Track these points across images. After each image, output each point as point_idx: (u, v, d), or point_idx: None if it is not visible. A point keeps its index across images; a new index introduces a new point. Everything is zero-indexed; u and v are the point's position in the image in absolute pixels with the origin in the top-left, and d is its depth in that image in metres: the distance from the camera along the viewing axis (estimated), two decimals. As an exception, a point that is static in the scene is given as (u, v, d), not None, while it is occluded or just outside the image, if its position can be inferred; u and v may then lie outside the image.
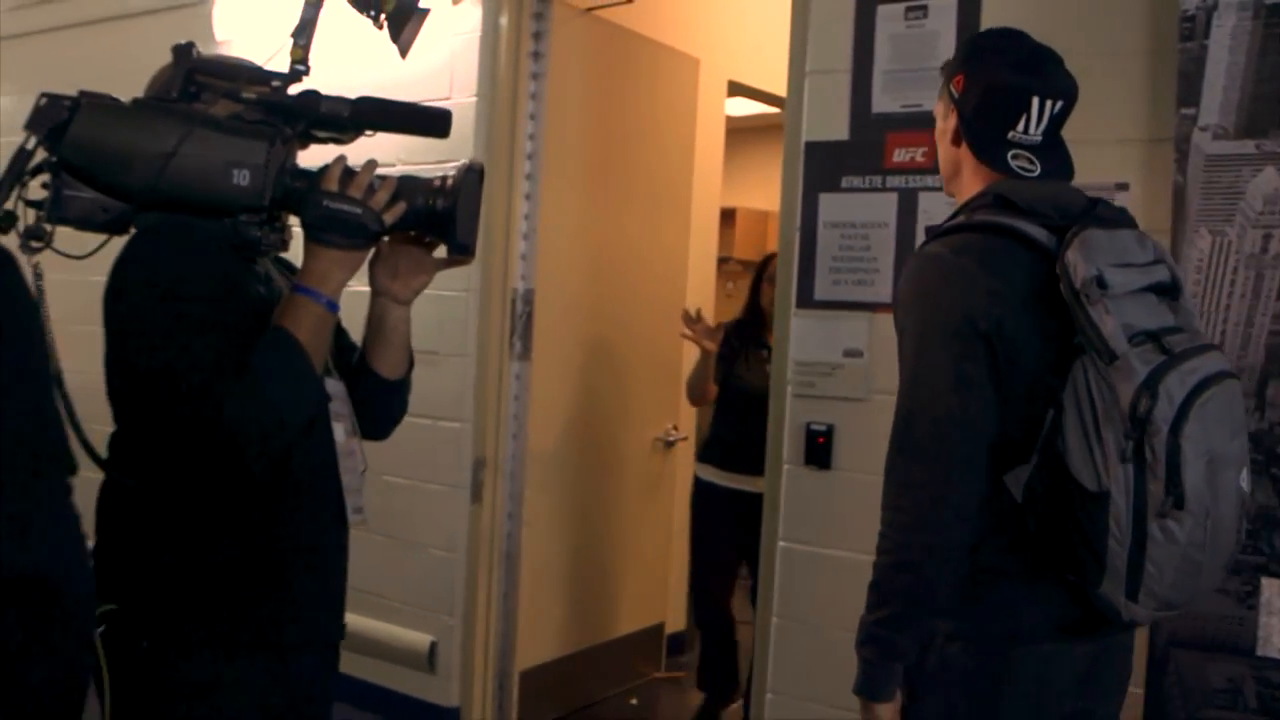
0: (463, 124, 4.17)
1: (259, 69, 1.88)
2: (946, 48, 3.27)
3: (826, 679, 3.45)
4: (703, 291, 5.42)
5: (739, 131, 6.02)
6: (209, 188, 1.73)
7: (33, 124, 1.72)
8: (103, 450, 1.85)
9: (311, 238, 1.82)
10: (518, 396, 4.28)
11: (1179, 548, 1.69)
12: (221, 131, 1.75)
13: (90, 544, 1.56)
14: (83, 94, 1.74)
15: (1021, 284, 1.80)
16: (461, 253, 1.92)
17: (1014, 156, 1.89)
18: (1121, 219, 1.89)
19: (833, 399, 3.37)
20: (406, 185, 1.89)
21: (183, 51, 1.89)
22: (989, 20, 3.20)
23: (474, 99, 4.21)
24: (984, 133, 1.91)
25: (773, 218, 8.14)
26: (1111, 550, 1.71)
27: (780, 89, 3.71)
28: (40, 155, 1.72)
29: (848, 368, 3.35)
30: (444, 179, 1.90)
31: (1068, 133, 2.95)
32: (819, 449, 3.36)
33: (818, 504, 3.36)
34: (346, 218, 1.79)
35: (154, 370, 1.75)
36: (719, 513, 4.40)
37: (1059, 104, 1.89)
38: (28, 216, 1.69)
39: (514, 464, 4.29)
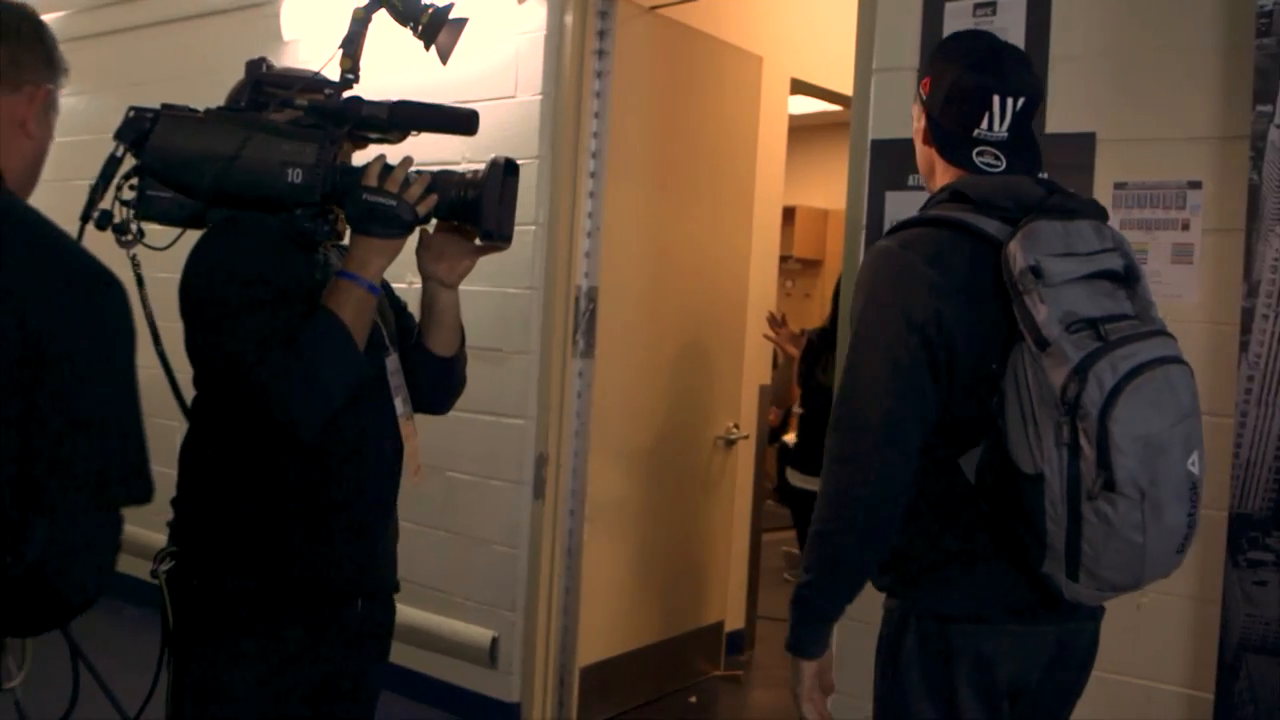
0: (527, 122, 4.21)
1: (316, 78, 2.08)
2: (1015, 44, 3.22)
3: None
4: (764, 290, 5.40)
5: (798, 129, 5.99)
6: (267, 186, 1.96)
7: (121, 134, 1.98)
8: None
9: (353, 228, 2.02)
10: (580, 394, 4.29)
11: (1114, 529, 1.74)
12: (278, 135, 1.97)
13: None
14: (164, 106, 1.99)
15: (966, 276, 1.86)
16: (488, 238, 2.12)
17: (979, 153, 1.96)
18: (1083, 209, 1.95)
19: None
20: (440, 179, 2.07)
21: (253, 65, 2.11)
22: (1059, 15, 3.17)
23: (539, 97, 4.22)
24: (950, 132, 1.99)
25: (832, 216, 8.18)
26: (1050, 531, 1.78)
27: (842, 86, 3.69)
28: (129, 162, 1.98)
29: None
30: (475, 173, 2.08)
31: (1137, 130, 2.96)
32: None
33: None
34: (384, 210, 1.98)
35: (216, 345, 2.00)
36: (806, 516, 4.36)
37: (1021, 101, 1.95)
38: (122, 214, 1.95)
39: (576, 461, 4.30)
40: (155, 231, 2.06)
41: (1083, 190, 3.05)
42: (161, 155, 1.97)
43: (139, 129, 1.98)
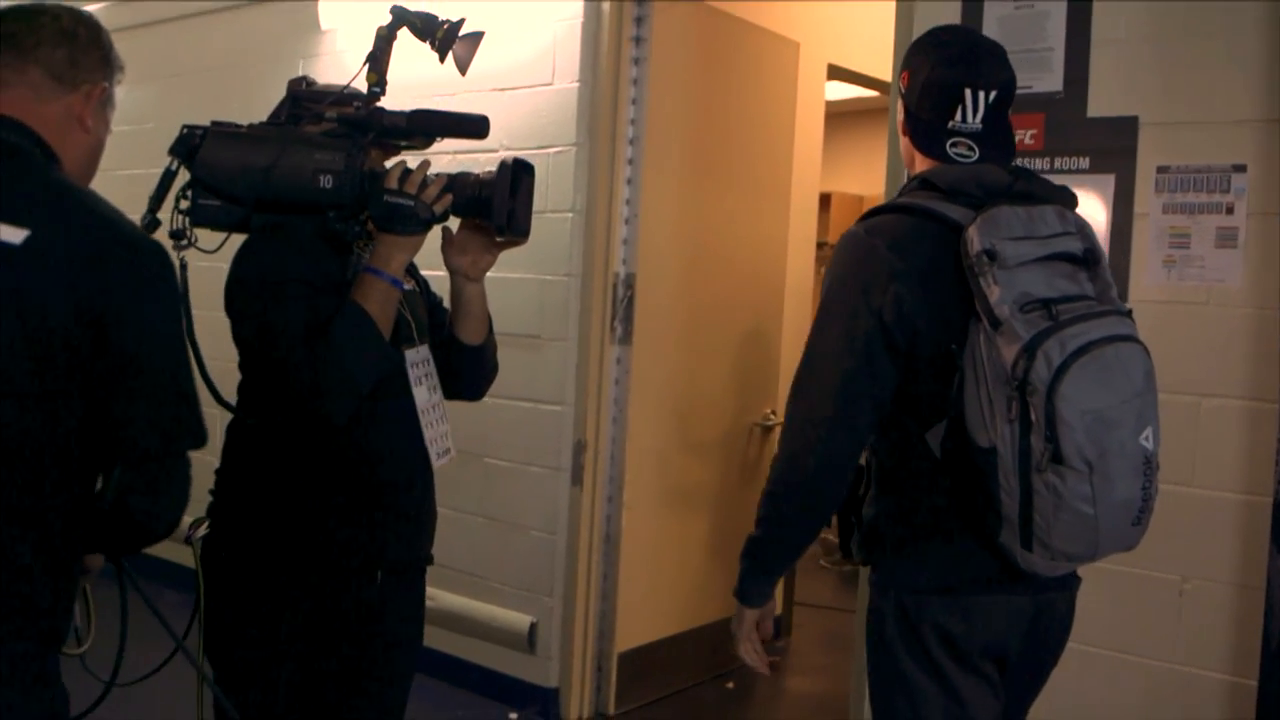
0: (565, 110, 4.22)
1: (344, 93, 2.27)
2: (1056, 28, 3.23)
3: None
4: (801, 276, 5.39)
5: (835, 115, 5.98)
6: (302, 192, 2.14)
7: (174, 149, 2.19)
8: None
9: (376, 227, 2.19)
10: (618, 380, 4.29)
11: (1063, 501, 1.82)
12: (311, 146, 2.15)
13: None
14: (213, 124, 2.21)
15: (929, 259, 1.95)
16: (500, 233, 2.27)
17: (953, 144, 2.04)
18: (1047, 195, 2.03)
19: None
20: (456, 180, 2.24)
21: (294, 83, 2.33)
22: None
23: (576, 84, 4.22)
24: (927, 124, 2.07)
25: (868, 203, 8.07)
26: (1004, 503, 1.86)
27: (879, 72, 3.69)
28: (184, 174, 2.19)
29: (953, 352, 3.30)
30: (488, 173, 2.24)
31: (1179, 112, 2.96)
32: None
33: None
34: (403, 210, 2.16)
35: (256, 337, 2.21)
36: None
37: (993, 94, 2.03)
38: (179, 222, 2.15)
39: (614, 447, 4.31)
40: (205, 235, 2.23)
41: (1126, 174, 3.08)
42: (209, 167, 2.16)
43: (190, 144, 2.18)
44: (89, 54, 1.82)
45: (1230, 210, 2.98)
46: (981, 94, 2.03)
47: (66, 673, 1.77)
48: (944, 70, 2.05)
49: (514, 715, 4.32)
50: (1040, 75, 3.24)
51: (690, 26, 4.47)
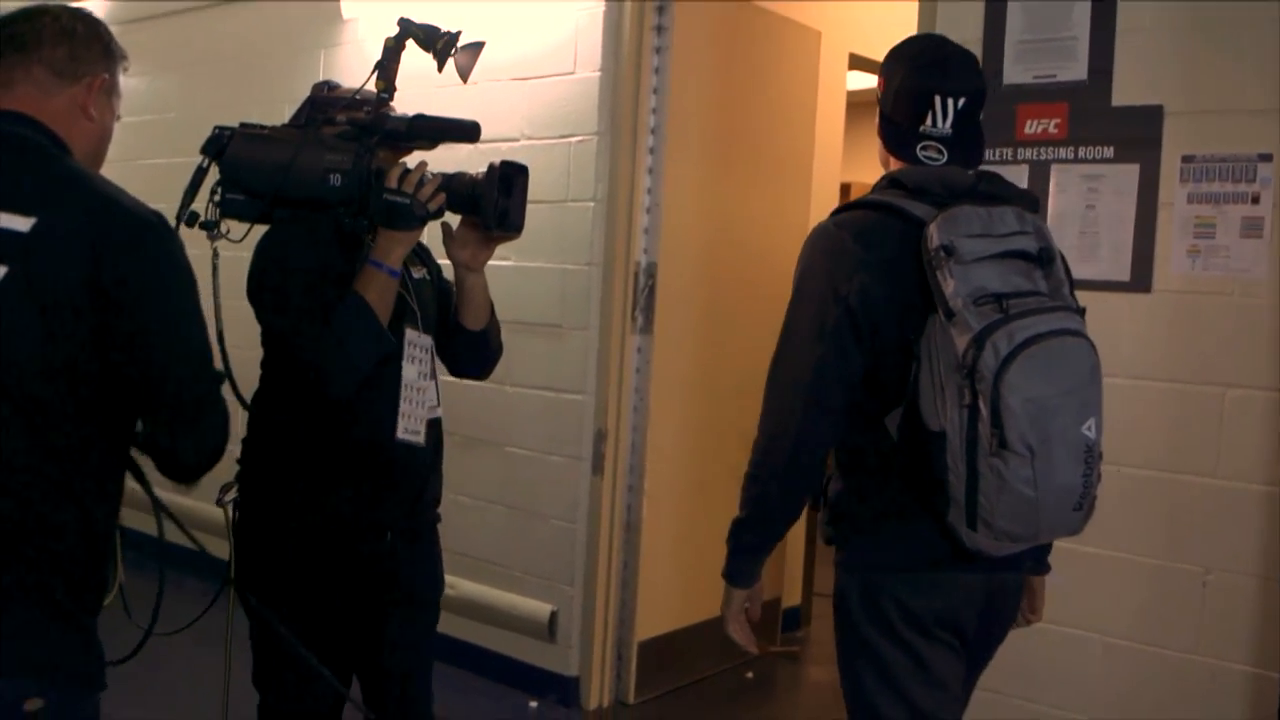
0: (586, 99, 4.22)
1: (355, 98, 2.44)
2: (1081, 17, 3.22)
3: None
4: (822, 266, 5.33)
5: (856, 105, 5.94)
6: (314, 189, 2.32)
7: (205, 148, 2.38)
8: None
9: (377, 222, 2.37)
10: (639, 369, 4.29)
11: (1006, 483, 1.93)
12: (323, 147, 2.34)
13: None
14: (241, 125, 2.39)
15: (892, 253, 2.05)
16: (486, 229, 2.46)
17: (924, 148, 2.14)
18: (1009, 197, 2.13)
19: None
20: (450, 180, 2.41)
21: (317, 87, 2.51)
22: (1127, -13, 3.12)
23: (597, 74, 4.22)
24: (899, 127, 2.18)
25: None
26: (952, 484, 1.97)
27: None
28: (215, 171, 2.37)
29: (976, 343, 3.29)
30: (481, 174, 2.43)
31: (1205, 101, 2.96)
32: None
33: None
34: (400, 207, 2.35)
35: (271, 321, 2.44)
36: None
37: (962, 100, 2.13)
38: (211, 214, 2.33)
39: (635, 436, 4.31)
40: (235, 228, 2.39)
41: (1151, 164, 3.07)
42: (234, 165, 2.35)
43: (219, 144, 2.37)
44: (89, 48, 1.96)
45: (1256, 200, 2.97)
46: (951, 100, 2.13)
47: (104, 622, 1.91)
48: (916, 77, 2.15)
49: (534, 703, 4.33)
50: (1065, 64, 3.23)
51: (712, 15, 4.46)
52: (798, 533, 5.21)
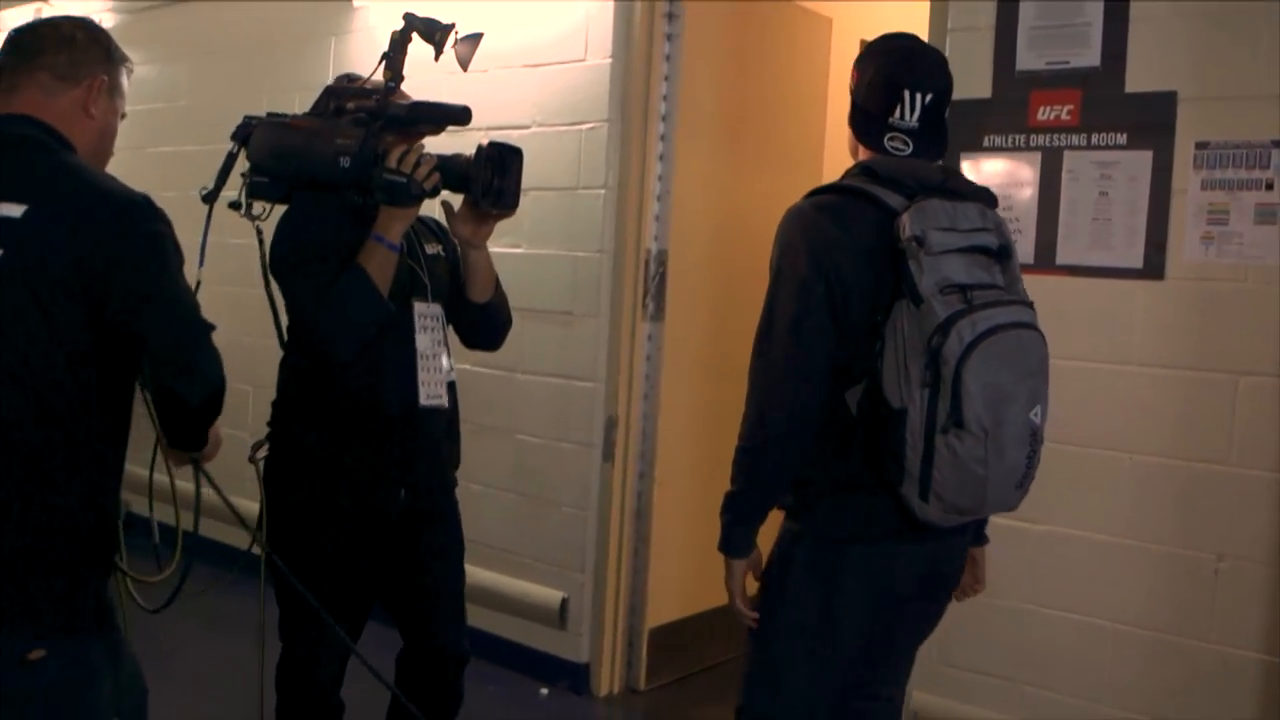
0: (597, 85, 4.22)
1: (364, 88, 2.67)
2: (1095, 3, 3.20)
3: (966, 644, 3.45)
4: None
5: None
6: (326, 171, 2.56)
7: (234, 135, 2.65)
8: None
9: (378, 199, 2.56)
10: (650, 357, 4.29)
11: (960, 460, 2.07)
12: (335, 133, 2.57)
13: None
14: (269, 115, 2.67)
15: (866, 238, 2.17)
16: (477, 205, 2.65)
17: (890, 138, 2.28)
18: (972, 194, 2.28)
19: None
20: (445, 161, 2.59)
21: (337, 79, 2.78)
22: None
23: (608, 61, 4.20)
24: (870, 116, 2.31)
25: None
26: (908, 458, 2.10)
27: (917, 47, 3.63)
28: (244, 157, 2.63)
29: (987, 330, 3.30)
30: (470, 155, 2.61)
31: (1219, 87, 2.97)
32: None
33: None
34: (398, 185, 2.53)
35: (284, 289, 2.62)
36: None
37: (929, 96, 2.27)
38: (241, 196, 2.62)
39: (646, 423, 4.31)
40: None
41: (1164, 150, 3.07)
42: (258, 150, 2.62)
43: (246, 132, 2.65)
44: (88, 52, 2.16)
45: (1270, 186, 2.96)
46: (919, 95, 2.26)
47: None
48: (889, 72, 2.29)
49: (545, 690, 4.34)
50: (1078, 50, 3.22)
51: (723, 2, 4.45)
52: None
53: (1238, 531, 3.03)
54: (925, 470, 2.10)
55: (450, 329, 2.87)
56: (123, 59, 2.24)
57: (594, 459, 4.29)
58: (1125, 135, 3.15)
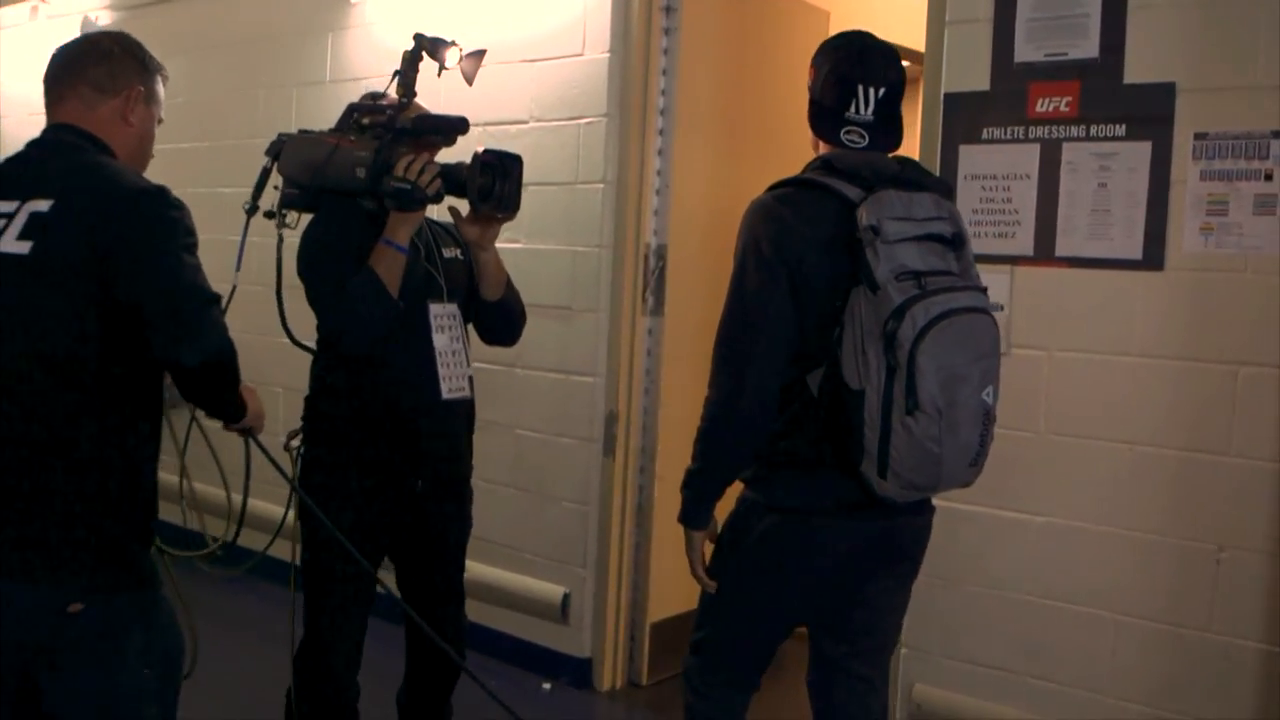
0: (595, 80, 4.22)
1: (378, 104, 2.90)
2: (1092, -7, 3.21)
3: (967, 636, 3.47)
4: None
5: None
6: (344, 181, 2.79)
7: (268, 151, 2.90)
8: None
9: (387, 205, 2.76)
10: (650, 351, 4.30)
11: (915, 439, 2.19)
12: (354, 145, 2.80)
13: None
14: (301, 131, 2.92)
15: (825, 228, 2.30)
16: (475, 210, 2.84)
17: (847, 132, 2.40)
18: (928, 184, 2.39)
19: (972, 353, 3.33)
20: (446, 169, 2.80)
21: (363, 96, 3.00)
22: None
23: (606, 55, 4.21)
24: (828, 110, 2.43)
25: None
26: (867, 437, 2.22)
27: (913, 41, 3.66)
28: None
29: (987, 321, 3.32)
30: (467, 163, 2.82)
31: (1218, 78, 3.00)
32: (957, 403, 3.35)
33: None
34: (403, 192, 2.73)
35: (307, 288, 2.83)
36: None
37: (882, 90, 2.39)
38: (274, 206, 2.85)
39: (646, 418, 4.31)
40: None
41: (1163, 141, 3.08)
42: (288, 164, 2.87)
43: (277, 147, 2.89)
44: (125, 65, 2.37)
45: (1269, 177, 2.97)
46: (872, 89, 2.38)
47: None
48: (842, 68, 2.41)
49: (547, 685, 4.35)
50: (1076, 41, 3.23)
51: (721, -4, 4.44)
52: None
53: (1238, 522, 3.04)
54: (883, 449, 2.21)
55: (471, 327, 3.10)
56: (158, 68, 2.44)
57: (594, 454, 4.30)
58: (1124, 126, 3.16)
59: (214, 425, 2.54)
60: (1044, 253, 3.30)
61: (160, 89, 2.45)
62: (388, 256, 2.76)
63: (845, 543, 2.43)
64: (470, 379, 3.02)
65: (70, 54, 2.38)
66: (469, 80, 2.97)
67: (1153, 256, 3.14)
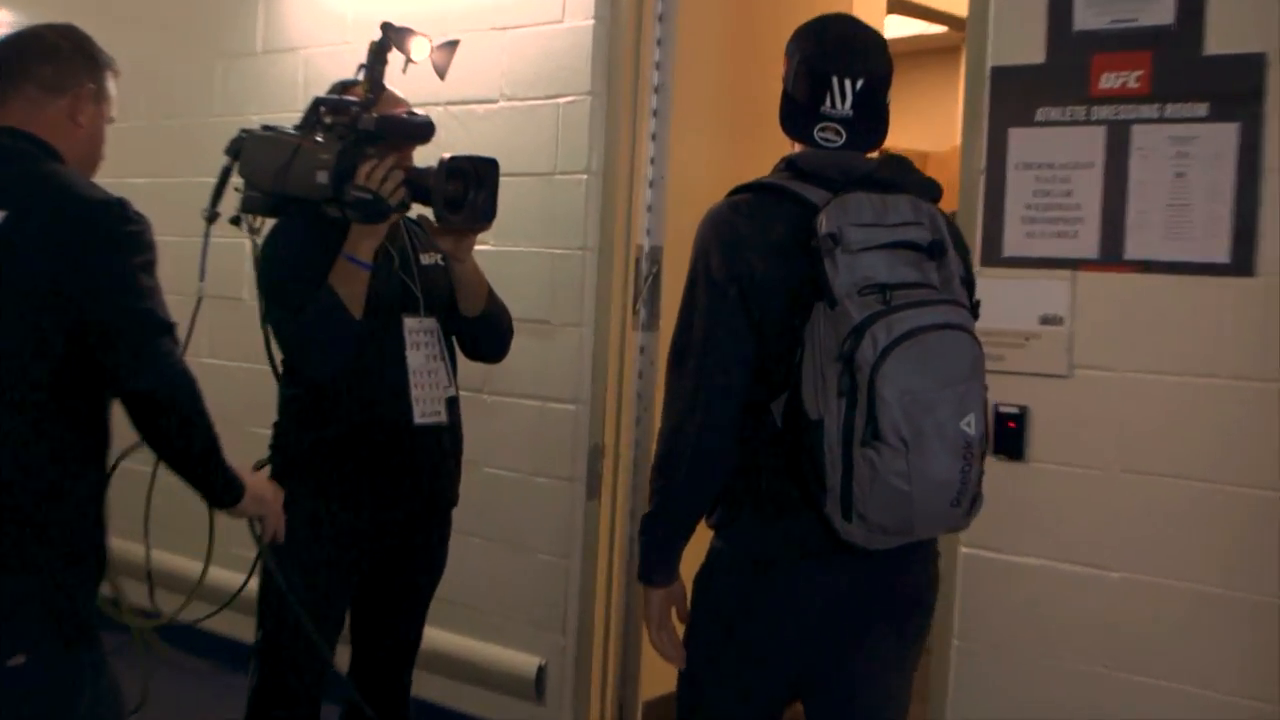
0: (577, 51, 4.23)
1: (342, 100, 3.03)
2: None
3: (1021, 712, 3.44)
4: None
5: (897, 57, 5.92)
6: (306, 186, 2.94)
7: (228, 150, 3.05)
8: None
9: (348, 216, 2.91)
10: (642, 373, 4.28)
11: (879, 475, 2.23)
12: (316, 147, 2.94)
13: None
14: (264, 128, 3.07)
15: (783, 237, 2.38)
16: (440, 221, 2.99)
17: (822, 129, 2.49)
18: (905, 185, 2.45)
19: (1026, 375, 3.36)
20: (415, 177, 2.96)
21: (332, 86, 3.17)
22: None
23: (591, 22, 4.21)
24: (799, 107, 2.54)
25: (934, 160, 7.87)
26: (829, 474, 2.27)
27: (950, 4, 3.65)
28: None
29: (1044, 337, 3.35)
30: (433, 168, 2.97)
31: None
32: (1010, 436, 3.36)
33: (1008, 502, 3.30)
34: (364, 202, 2.88)
35: (268, 308, 3.00)
36: None
37: (860, 82, 2.46)
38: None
39: (637, 452, 4.27)
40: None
41: (1252, 123, 3.09)
42: (248, 166, 3.02)
43: (238, 146, 3.04)
44: (73, 62, 2.54)
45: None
46: (849, 82, 2.46)
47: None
48: (815, 58, 2.50)
49: (518, 775, 4.32)
50: (1146, 5, 3.23)
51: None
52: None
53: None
54: (845, 486, 2.26)
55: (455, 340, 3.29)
56: (108, 63, 2.61)
57: (577, 496, 4.27)
58: (1205, 106, 3.15)
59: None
60: (1111, 255, 3.29)
61: (111, 85, 2.62)
62: (349, 273, 2.94)
63: (820, 597, 2.47)
64: (452, 400, 3.21)
65: (12, 49, 2.54)
66: (441, 74, 3.10)
67: (1242, 260, 3.12)
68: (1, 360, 2.30)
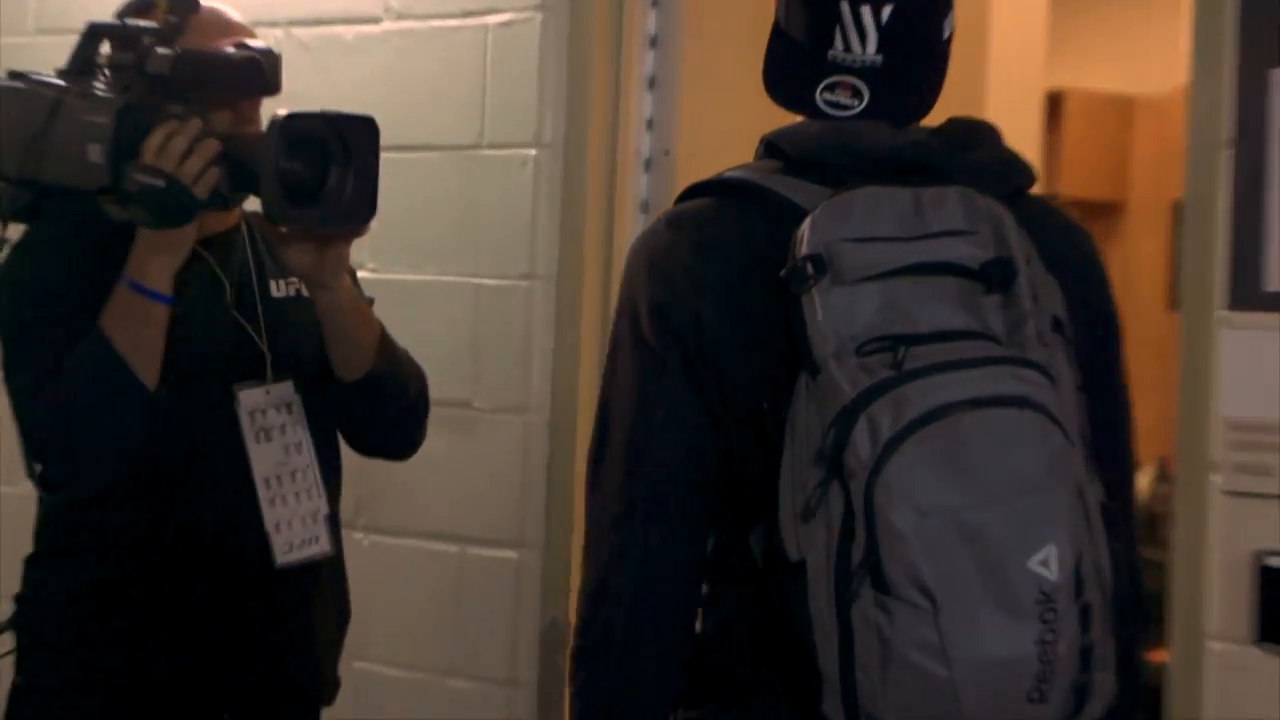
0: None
1: (140, 27, 2.68)
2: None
3: None
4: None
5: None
6: (71, 169, 2.65)
7: None
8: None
9: (131, 215, 2.62)
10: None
11: (892, 650, 1.89)
12: (86, 105, 2.67)
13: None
14: (10, 75, 2.81)
15: (747, 268, 2.12)
16: (275, 220, 2.65)
17: (829, 86, 2.21)
18: (960, 168, 2.14)
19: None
20: (234, 145, 2.61)
21: (125, 8, 2.85)
22: None
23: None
24: (796, 50, 2.26)
25: (1141, 108, 7.84)
26: (819, 648, 1.96)
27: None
28: None
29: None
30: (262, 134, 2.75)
31: None
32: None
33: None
34: (151, 193, 2.51)
35: (5, 366, 2.79)
36: None
37: (889, 8, 2.17)
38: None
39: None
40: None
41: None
42: None
43: None
44: None
45: None
46: (868, 8, 2.17)
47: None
48: None
49: None
50: None
51: None
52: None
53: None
54: (845, 668, 1.93)
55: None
56: None
57: (521, 706, 3.74)
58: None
59: None
60: None
61: None
62: (133, 310, 2.56)
63: None
64: (332, 519, 2.80)
65: None
66: None
67: None
68: None
